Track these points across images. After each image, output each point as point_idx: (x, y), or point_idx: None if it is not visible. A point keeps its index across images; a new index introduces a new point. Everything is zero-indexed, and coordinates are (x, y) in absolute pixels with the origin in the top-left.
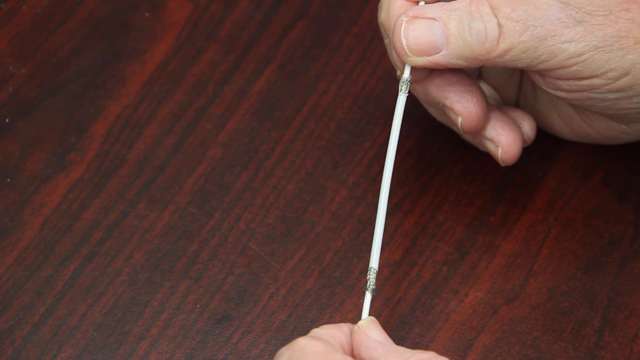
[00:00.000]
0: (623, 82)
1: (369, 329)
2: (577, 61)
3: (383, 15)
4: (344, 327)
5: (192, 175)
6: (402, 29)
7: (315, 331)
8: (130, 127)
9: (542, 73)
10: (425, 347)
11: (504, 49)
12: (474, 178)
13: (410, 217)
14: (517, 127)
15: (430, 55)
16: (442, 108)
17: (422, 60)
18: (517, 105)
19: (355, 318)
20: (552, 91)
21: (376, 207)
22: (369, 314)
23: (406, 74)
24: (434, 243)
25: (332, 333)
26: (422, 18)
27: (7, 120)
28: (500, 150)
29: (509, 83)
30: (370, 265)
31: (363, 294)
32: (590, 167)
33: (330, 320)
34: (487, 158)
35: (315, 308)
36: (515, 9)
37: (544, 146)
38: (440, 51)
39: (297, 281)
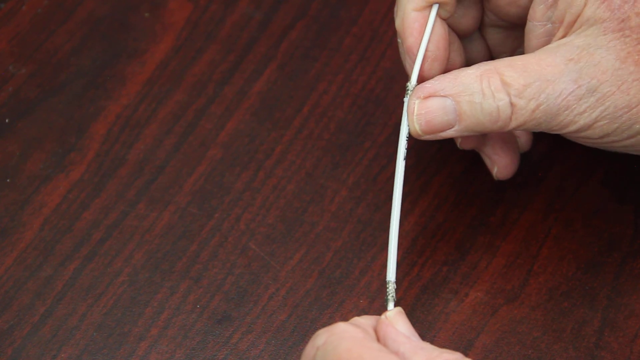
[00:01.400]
0: (632, 141)
1: (396, 321)
2: (587, 130)
3: (398, 23)
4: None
5: (192, 176)
6: (415, 113)
7: (356, 319)
8: (130, 127)
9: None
10: None
11: (516, 125)
12: (474, 178)
13: (410, 217)
14: (515, 145)
15: (442, 132)
16: None
17: (432, 137)
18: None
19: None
20: (568, 138)
21: (377, 206)
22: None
23: (413, 81)
24: (434, 243)
25: (371, 323)
26: (435, 97)
27: (7, 120)
28: (495, 169)
29: (506, 42)
30: (387, 279)
31: (363, 294)
32: (590, 167)
33: (330, 320)
34: None
35: (315, 308)
36: (527, 85)
37: (543, 146)
38: (452, 127)
39: (297, 281)
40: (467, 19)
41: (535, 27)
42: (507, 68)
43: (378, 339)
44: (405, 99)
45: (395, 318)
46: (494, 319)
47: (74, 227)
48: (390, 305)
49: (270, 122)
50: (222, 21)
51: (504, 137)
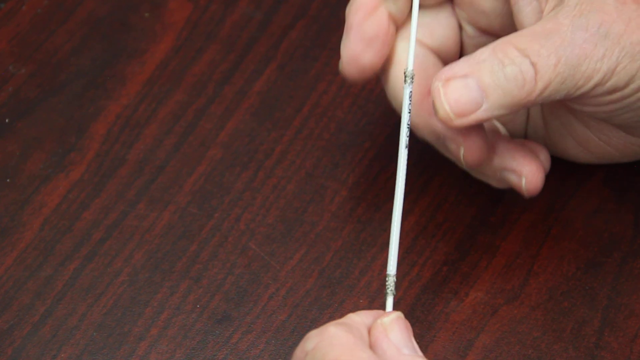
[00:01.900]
0: None
1: (391, 329)
2: (612, 76)
3: (348, 7)
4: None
5: (192, 175)
6: (442, 94)
7: (351, 316)
8: (130, 127)
9: (578, 98)
10: (426, 347)
11: (543, 85)
12: (474, 178)
13: (410, 217)
14: (534, 154)
15: (473, 113)
16: (444, 143)
17: (465, 121)
18: (526, 137)
19: None
20: (578, 107)
21: (377, 207)
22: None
23: (410, 66)
24: (434, 243)
25: (367, 322)
26: (455, 79)
27: (7, 120)
28: (524, 181)
29: (517, 116)
30: (387, 272)
31: (363, 294)
32: (590, 167)
33: (330, 320)
34: None
35: (315, 308)
36: (543, 44)
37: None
38: (481, 106)
39: (297, 281)
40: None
41: (522, 9)
42: (518, 37)
43: (370, 343)
44: (405, 86)
45: (390, 325)
46: (494, 318)
47: (74, 227)
48: (389, 300)
49: (270, 122)
50: (222, 21)
51: (525, 148)
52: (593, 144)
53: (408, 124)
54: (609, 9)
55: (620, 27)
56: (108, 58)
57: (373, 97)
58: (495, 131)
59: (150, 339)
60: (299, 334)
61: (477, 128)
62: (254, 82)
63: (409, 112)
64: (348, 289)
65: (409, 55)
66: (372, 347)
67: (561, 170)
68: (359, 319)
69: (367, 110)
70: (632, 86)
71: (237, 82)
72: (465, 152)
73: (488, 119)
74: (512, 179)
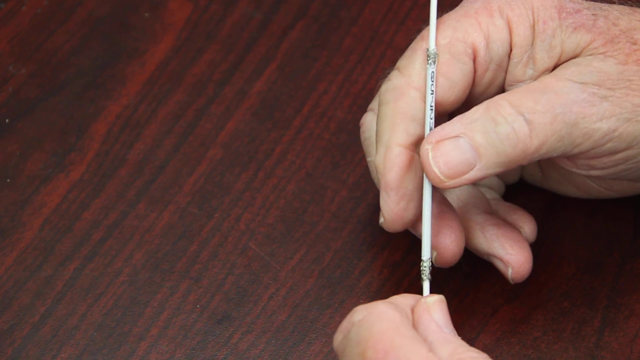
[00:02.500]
0: None
1: (434, 309)
2: (612, 137)
3: (379, 158)
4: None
5: (192, 176)
6: (430, 158)
7: (396, 298)
8: (130, 127)
9: (575, 157)
10: None
11: (539, 143)
12: None
13: None
14: (524, 242)
15: (466, 174)
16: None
17: (459, 181)
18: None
19: None
20: (585, 172)
21: (376, 207)
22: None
23: (432, 45)
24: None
25: (411, 303)
26: (446, 140)
27: (7, 120)
28: (510, 271)
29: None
30: (423, 257)
31: (363, 294)
32: None
33: (330, 320)
34: None
35: (315, 308)
36: (538, 101)
37: None
38: (474, 166)
39: (297, 281)
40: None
41: (516, 69)
42: (512, 94)
43: (413, 321)
44: (428, 66)
45: (433, 305)
46: (494, 318)
47: (74, 227)
48: (425, 285)
49: (270, 122)
50: (222, 21)
51: (514, 235)
52: (594, 190)
53: (432, 106)
54: (609, 70)
55: (620, 91)
56: (108, 58)
57: (373, 97)
58: (489, 213)
59: (151, 339)
60: (299, 334)
61: (455, 232)
62: (254, 82)
63: (432, 94)
64: (348, 289)
65: (430, 34)
66: (415, 325)
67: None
68: (404, 300)
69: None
70: (632, 152)
71: (237, 82)
72: (437, 256)
73: (482, 179)
74: (499, 265)
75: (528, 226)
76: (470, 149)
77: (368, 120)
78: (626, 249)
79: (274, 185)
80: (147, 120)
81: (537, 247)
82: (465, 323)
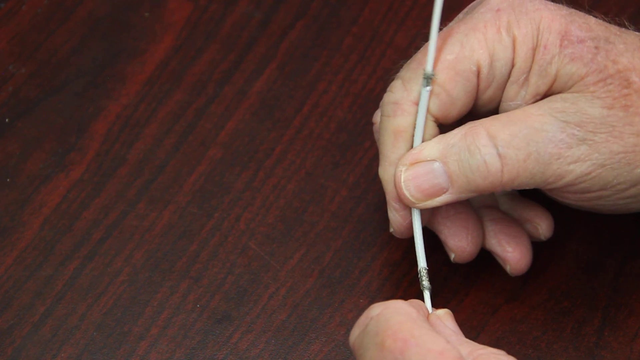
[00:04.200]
0: (632, 191)
1: (445, 319)
2: (585, 179)
3: (382, 173)
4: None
5: (192, 175)
6: (402, 180)
7: (410, 300)
8: (130, 127)
9: (548, 190)
10: None
11: (509, 178)
12: None
13: None
14: (524, 237)
15: (436, 197)
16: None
17: (430, 204)
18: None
19: (355, 318)
20: (559, 200)
21: (377, 206)
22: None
23: (429, 67)
24: (434, 243)
25: (423, 308)
26: (420, 163)
27: (7, 120)
28: (508, 267)
29: None
30: (419, 267)
31: (363, 294)
32: None
33: (331, 320)
34: None
35: (315, 308)
36: (514, 135)
37: None
38: (446, 191)
39: (297, 281)
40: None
41: (510, 107)
42: (492, 122)
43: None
44: (423, 89)
45: (445, 316)
46: (494, 318)
47: (74, 226)
48: (426, 295)
49: (270, 122)
50: (222, 21)
51: (511, 231)
52: (590, 208)
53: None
54: (593, 115)
55: (601, 136)
56: (108, 58)
57: (373, 97)
58: (488, 207)
59: (150, 339)
60: (299, 334)
61: (472, 233)
62: (254, 82)
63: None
64: (348, 289)
65: (429, 55)
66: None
67: None
68: (416, 304)
69: (367, 110)
70: (606, 192)
71: (237, 82)
72: (455, 256)
73: (453, 202)
74: (498, 260)
75: (545, 222)
76: (443, 173)
77: (378, 120)
78: (626, 249)
79: (274, 185)
80: (147, 120)
81: (537, 247)
82: (465, 323)
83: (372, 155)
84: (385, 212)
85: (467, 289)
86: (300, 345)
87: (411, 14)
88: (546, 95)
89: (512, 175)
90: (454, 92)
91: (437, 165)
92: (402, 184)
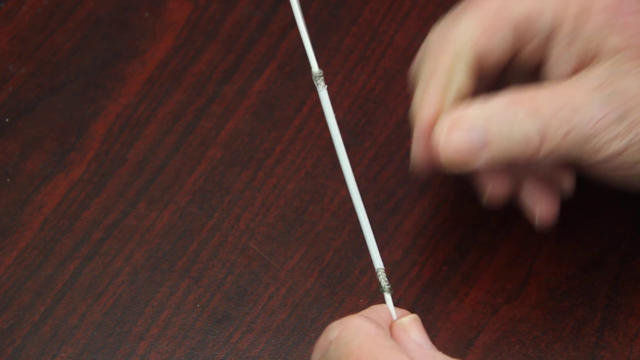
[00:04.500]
0: None
1: (410, 329)
2: (620, 156)
3: (415, 104)
4: (395, 313)
5: (192, 175)
6: (440, 141)
7: (367, 312)
8: (130, 126)
9: (580, 166)
10: None
11: (546, 153)
12: (474, 178)
13: (411, 217)
14: (554, 188)
15: (469, 163)
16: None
17: (460, 168)
18: None
19: None
20: (587, 173)
21: (376, 206)
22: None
23: (314, 68)
24: (434, 243)
25: (384, 317)
26: (461, 126)
27: (7, 120)
28: (537, 219)
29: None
30: (375, 267)
31: (363, 294)
32: None
33: (330, 320)
34: None
35: (315, 308)
36: (557, 111)
37: None
38: (480, 157)
39: (297, 281)
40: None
41: (553, 67)
42: (536, 94)
43: (392, 335)
44: (319, 88)
45: (409, 325)
46: (494, 318)
47: (74, 226)
48: (387, 297)
49: (270, 122)
50: (222, 21)
51: (542, 181)
52: (618, 182)
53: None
54: (634, 92)
55: (638, 113)
56: (108, 58)
57: (373, 97)
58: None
59: (150, 339)
60: (299, 334)
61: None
62: (254, 81)
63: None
64: (348, 289)
65: (308, 55)
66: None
67: None
68: (376, 314)
69: (367, 110)
70: (638, 168)
71: (237, 81)
72: (491, 192)
73: (483, 169)
74: (526, 211)
75: (567, 180)
76: (481, 140)
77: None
78: (626, 249)
79: (274, 185)
80: (147, 119)
81: (537, 247)
82: (465, 323)
83: (372, 155)
84: (385, 211)
85: (467, 288)
86: (300, 345)
87: (411, 14)
88: (587, 63)
89: (549, 151)
90: (495, 39)
91: (476, 132)
92: (440, 144)
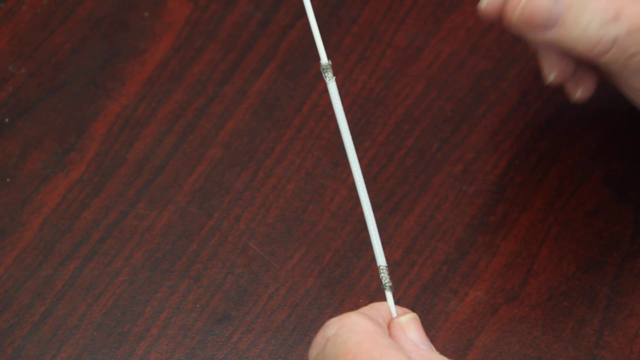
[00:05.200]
0: None
1: (408, 327)
2: None
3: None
4: (395, 311)
5: (191, 175)
6: (520, 4)
7: (366, 309)
8: (130, 126)
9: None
10: None
11: (605, 61)
12: (474, 178)
13: (410, 217)
14: (593, 70)
15: (537, 32)
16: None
17: (526, 34)
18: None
19: None
20: (628, 94)
21: (376, 206)
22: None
23: (323, 59)
24: (434, 243)
25: (383, 315)
26: None
27: (7, 120)
28: (579, 91)
29: None
30: (378, 264)
31: (363, 294)
32: (590, 166)
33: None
34: (487, 158)
35: (315, 308)
36: (637, 31)
37: (544, 146)
38: (548, 31)
39: (297, 281)
40: None
41: None
42: (634, 3)
43: (390, 334)
44: (327, 80)
45: (407, 324)
46: (494, 318)
47: (74, 226)
48: (389, 294)
49: (270, 122)
50: (222, 21)
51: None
52: None
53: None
54: None
55: None
56: (108, 58)
57: (373, 97)
58: None
59: (150, 339)
60: (298, 334)
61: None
62: (254, 81)
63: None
64: (348, 289)
65: (318, 47)
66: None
67: (561, 170)
68: (375, 311)
69: (367, 110)
70: None
71: (237, 81)
72: (555, 77)
73: (539, 45)
74: (569, 84)
75: (584, 85)
76: (557, 16)
77: None
78: (626, 249)
79: (274, 185)
80: (147, 119)
81: (537, 247)
82: (465, 323)
83: (372, 155)
84: (385, 211)
85: (467, 288)
86: (300, 345)
87: (411, 14)
88: None
89: (611, 60)
90: None
91: (559, 6)
92: (519, 6)
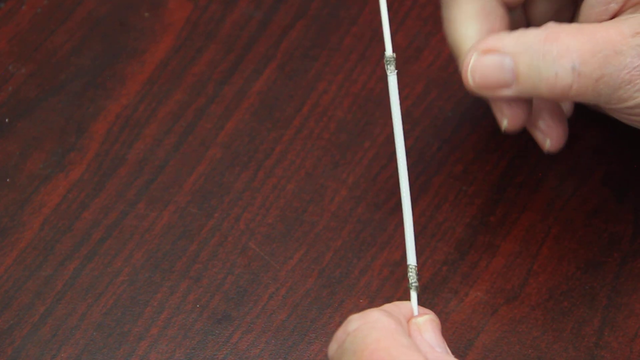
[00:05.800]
0: None
1: (425, 329)
2: None
3: (450, 34)
4: (417, 311)
5: (191, 175)
6: (471, 66)
7: (389, 306)
8: (130, 126)
9: (605, 109)
10: None
11: (576, 94)
12: (474, 178)
13: None
14: (563, 114)
15: (496, 91)
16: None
17: (487, 94)
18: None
19: None
20: (611, 115)
21: (376, 206)
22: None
23: (389, 51)
24: (434, 243)
25: (404, 312)
26: (493, 54)
27: (7, 120)
28: (548, 142)
29: (553, 17)
30: (408, 263)
31: (363, 294)
32: (590, 167)
33: (330, 320)
34: (487, 158)
35: (315, 308)
36: (594, 54)
37: None
38: (508, 87)
39: (297, 281)
40: None
41: (592, 7)
42: (575, 32)
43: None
44: (389, 72)
45: (424, 325)
46: (494, 318)
47: (74, 226)
48: (413, 295)
49: (270, 122)
50: (222, 21)
51: (553, 106)
52: None
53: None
54: None
55: None
56: (108, 58)
57: (373, 97)
58: None
59: (150, 339)
60: (298, 334)
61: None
62: (254, 82)
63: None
64: (348, 289)
65: (385, 38)
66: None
67: (561, 170)
68: (397, 309)
69: (367, 110)
70: None
71: (237, 82)
72: (509, 121)
73: (509, 99)
74: (538, 137)
75: (552, 136)
76: (511, 71)
77: None
78: (626, 249)
79: (274, 185)
80: (147, 119)
81: (537, 247)
82: (465, 323)
83: (371, 155)
84: (385, 211)
85: (467, 288)
86: (300, 345)
87: (411, 14)
88: (628, 7)
89: (580, 92)
90: None
91: (508, 60)
92: (469, 68)
